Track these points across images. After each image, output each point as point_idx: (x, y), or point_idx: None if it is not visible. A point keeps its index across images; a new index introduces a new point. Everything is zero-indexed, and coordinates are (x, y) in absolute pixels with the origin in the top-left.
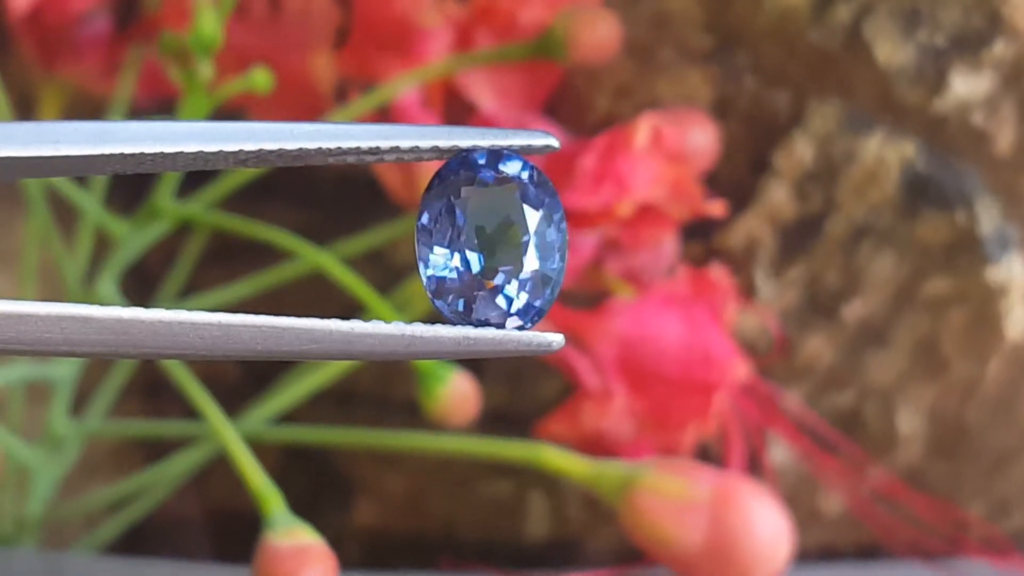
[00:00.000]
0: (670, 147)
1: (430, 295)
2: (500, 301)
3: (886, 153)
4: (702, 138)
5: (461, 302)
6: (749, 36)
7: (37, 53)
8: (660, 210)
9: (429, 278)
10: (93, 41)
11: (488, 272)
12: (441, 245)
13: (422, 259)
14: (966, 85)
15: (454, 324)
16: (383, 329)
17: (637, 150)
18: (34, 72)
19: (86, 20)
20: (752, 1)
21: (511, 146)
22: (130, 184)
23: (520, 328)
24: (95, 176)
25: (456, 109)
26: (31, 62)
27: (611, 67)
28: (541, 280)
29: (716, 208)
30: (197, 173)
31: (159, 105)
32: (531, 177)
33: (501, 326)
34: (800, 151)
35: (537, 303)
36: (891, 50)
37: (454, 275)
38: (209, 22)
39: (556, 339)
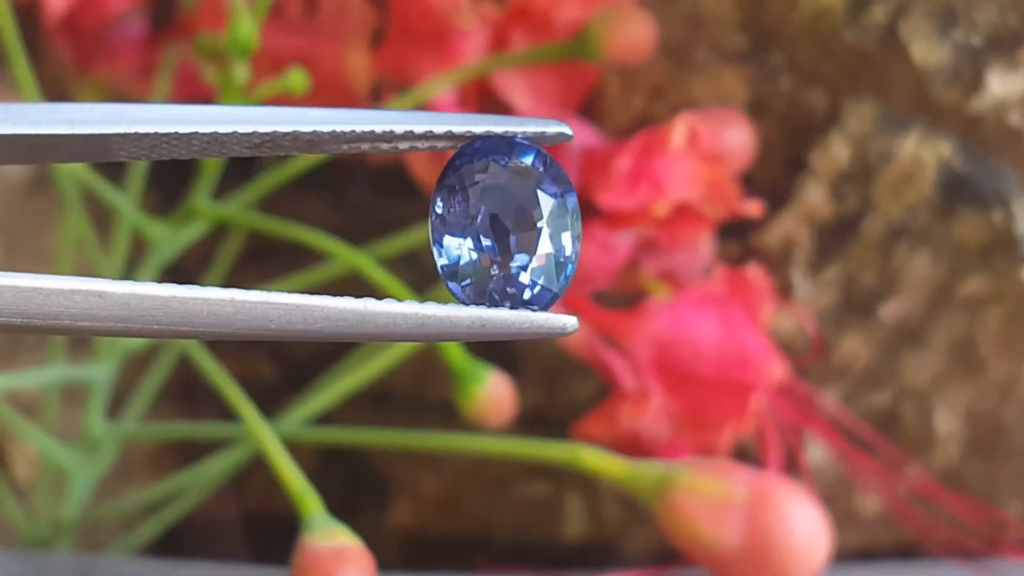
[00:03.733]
0: (706, 147)
1: (445, 281)
2: (515, 287)
3: (922, 153)
4: (738, 138)
5: (475, 287)
6: (784, 36)
7: (73, 55)
8: (696, 210)
9: (443, 265)
10: (129, 43)
11: (502, 258)
12: (455, 231)
13: (437, 245)
14: (1002, 84)
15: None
16: (396, 308)
17: (673, 150)
18: (70, 73)
19: (122, 22)
20: (787, 1)
21: (524, 133)
22: (166, 185)
23: (534, 312)
24: (114, 161)
25: (491, 110)
26: (67, 64)
27: (646, 67)
28: (555, 266)
29: (752, 208)
30: (234, 173)
31: None
32: (545, 164)
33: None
34: (836, 151)
35: (551, 289)
36: (927, 50)
37: (468, 261)
38: (245, 24)
39: (570, 321)
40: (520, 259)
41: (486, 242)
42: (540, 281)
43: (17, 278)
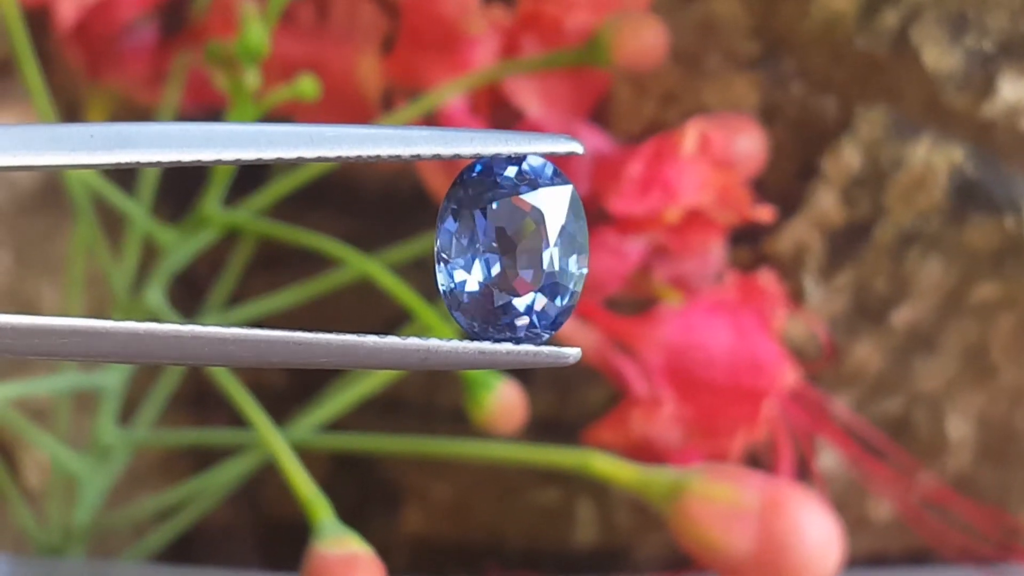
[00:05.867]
0: (717, 153)
1: (447, 304)
2: (520, 307)
3: (934, 158)
4: (750, 144)
5: (479, 310)
6: (796, 42)
7: (84, 62)
8: (708, 216)
9: (446, 287)
10: (140, 50)
11: (508, 278)
12: (460, 251)
13: (441, 265)
14: (1014, 90)
15: (471, 334)
16: (398, 344)
17: (685, 156)
18: (81, 81)
19: (132, 29)
20: (799, 7)
21: (534, 153)
22: (177, 192)
23: (538, 335)
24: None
25: (503, 116)
26: (78, 71)
27: (658, 73)
28: (561, 286)
29: (764, 214)
30: (245, 180)
31: (206, 114)
32: (553, 181)
33: (520, 333)
34: (848, 157)
35: (557, 309)
36: (939, 55)
37: (474, 281)
38: (256, 30)
39: (573, 352)
40: (526, 278)
41: (491, 261)
42: (545, 302)
43: (13, 319)
